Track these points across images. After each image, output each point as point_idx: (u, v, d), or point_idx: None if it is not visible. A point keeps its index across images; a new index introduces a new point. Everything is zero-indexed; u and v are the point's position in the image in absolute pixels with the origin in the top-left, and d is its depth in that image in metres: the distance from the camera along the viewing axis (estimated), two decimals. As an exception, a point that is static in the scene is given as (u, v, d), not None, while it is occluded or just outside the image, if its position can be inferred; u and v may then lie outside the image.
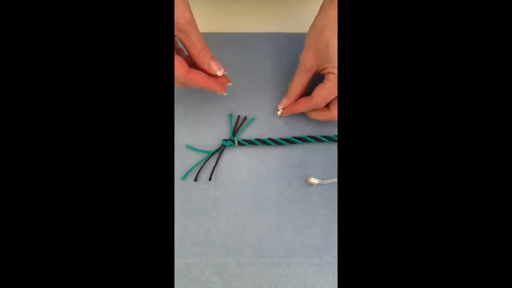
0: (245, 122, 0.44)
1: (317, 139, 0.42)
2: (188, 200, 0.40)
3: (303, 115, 0.43)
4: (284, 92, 0.45)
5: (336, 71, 0.37)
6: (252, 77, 0.47)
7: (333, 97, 0.38)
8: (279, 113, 0.44)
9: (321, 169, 0.41)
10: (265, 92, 0.46)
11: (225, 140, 0.42)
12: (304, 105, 0.40)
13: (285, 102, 0.43)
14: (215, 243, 0.38)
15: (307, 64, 0.39)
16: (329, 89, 0.38)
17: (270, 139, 0.42)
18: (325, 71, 0.38)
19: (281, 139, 0.42)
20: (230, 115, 0.44)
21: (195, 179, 0.41)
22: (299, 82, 0.41)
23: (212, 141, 0.43)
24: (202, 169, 0.41)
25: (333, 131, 0.43)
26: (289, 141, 0.42)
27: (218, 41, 0.50)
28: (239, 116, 0.44)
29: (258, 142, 0.42)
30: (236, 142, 0.42)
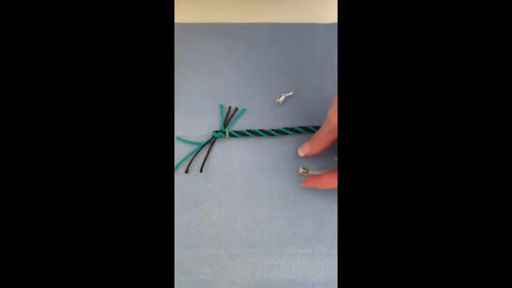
0: (236, 113, 0.43)
1: (308, 130, 0.42)
2: (179, 192, 0.39)
3: (294, 107, 0.43)
4: (274, 83, 0.45)
5: None
6: (243, 68, 0.46)
7: None
8: (304, 173, 0.40)
9: (312, 159, 0.41)
10: (256, 83, 0.45)
11: (216, 131, 0.42)
12: (327, 185, 0.37)
13: (308, 149, 0.39)
14: (206, 235, 0.38)
15: (335, 123, 0.35)
16: None
17: (261, 130, 0.42)
18: None
19: (273, 130, 0.42)
20: (221, 106, 0.44)
21: (186, 171, 0.40)
22: (323, 140, 0.37)
23: (202, 133, 0.42)
24: (193, 160, 0.41)
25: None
26: (281, 132, 0.42)
27: (208, 32, 0.49)
28: (230, 107, 0.44)
29: (249, 133, 0.42)
30: (227, 133, 0.42)
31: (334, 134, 0.36)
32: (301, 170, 0.40)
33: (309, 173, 0.40)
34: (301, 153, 0.40)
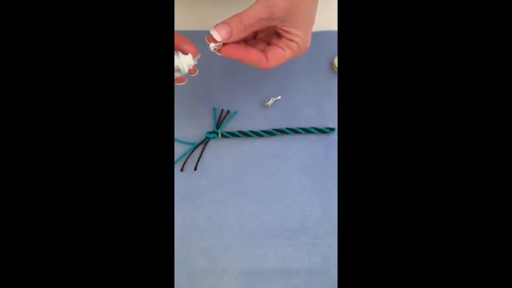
0: (228, 115, 0.47)
1: (294, 131, 0.45)
2: (175, 188, 0.43)
3: (281, 110, 0.47)
4: (265, 87, 0.48)
5: (300, 40, 0.30)
6: (234, 73, 0.50)
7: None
8: (213, 46, 0.31)
9: (298, 158, 0.44)
10: (247, 87, 0.49)
11: (209, 132, 0.45)
12: (255, 62, 0.32)
13: (226, 33, 0.29)
14: (200, 228, 0.41)
15: (277, 13, 0.29)
16: (287, 59, 0.32)
17: (251, 131, 0.45)
18: (288, 35, 0.31)
19: (262, 131, 0.45)
20: (214, 109, 0.47)
21: (181, 169, 0.43)
22: (252, 26, 0.29)
23: (197, 134, 0.46)
24: (188, 160, 0.44)
25: (309, 123, 0.46)
26: (269, 133, 0.45)
27: (202, 38, 0.52)
28: (222, 110, 0.47)
29: (240, 134, 0.45)
30: (219, 134, 0.45)
31: (270, 23, 0.29)
32: (208, 37, 0.30)
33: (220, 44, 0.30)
34: (216, 35, 0.30)
